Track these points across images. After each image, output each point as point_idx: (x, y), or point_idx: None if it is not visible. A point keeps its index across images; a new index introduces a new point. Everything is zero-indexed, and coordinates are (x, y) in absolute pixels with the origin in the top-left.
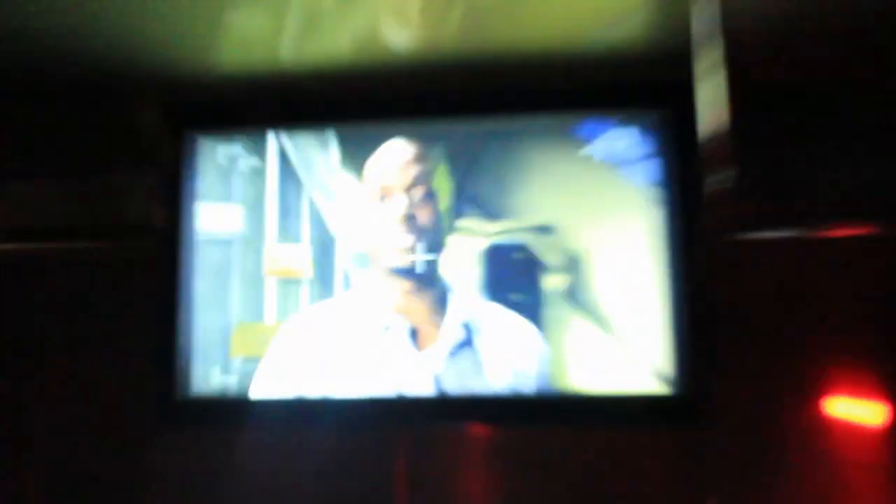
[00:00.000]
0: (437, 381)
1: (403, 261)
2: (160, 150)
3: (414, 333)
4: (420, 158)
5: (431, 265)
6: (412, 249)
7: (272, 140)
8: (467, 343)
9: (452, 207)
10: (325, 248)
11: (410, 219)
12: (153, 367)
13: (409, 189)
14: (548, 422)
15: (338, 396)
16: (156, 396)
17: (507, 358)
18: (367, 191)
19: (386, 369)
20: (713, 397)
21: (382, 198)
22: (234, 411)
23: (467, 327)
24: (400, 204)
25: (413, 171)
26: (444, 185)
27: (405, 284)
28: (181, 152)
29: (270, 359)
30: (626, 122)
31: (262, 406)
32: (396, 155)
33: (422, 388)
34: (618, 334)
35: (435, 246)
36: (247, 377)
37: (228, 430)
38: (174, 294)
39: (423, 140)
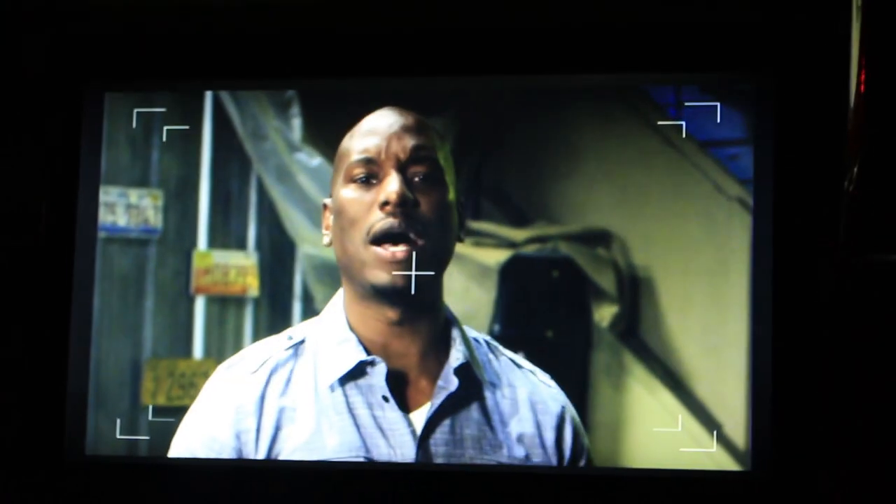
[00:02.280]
0: (423, 446)
1: (391, 276)
2: (46, 109)
3: (396, 382)
4: (420, 126)
5: (431, 284)
6: (404, 259)
7: (208, 99)
8: (467, 396)
9: (464, 203)
10: (278, 256)
11: (406, 206)
12: (32, 417)
13: (405, 165)
14: None
15: (288, 462)
16: (36, 456)
17: (523, 418)
18: (344, 169)
19: (354, 430)
20: (819, 481)
21: (367, 178)
22: (143, 478)
23: (468, 375)
24: (392, 185)
25: (411, 139)
26: (452, 166)
27: (390, 312)
28: (77, 113)
29: (198, 409)
30: (727, 88)
31: (184, 472)
32: (387, 121)
33: (401, 454)
34: (690, 390)
35: (438, 253)
36: (162, 433)
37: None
38: (64, 314)
39: (423, 106)
